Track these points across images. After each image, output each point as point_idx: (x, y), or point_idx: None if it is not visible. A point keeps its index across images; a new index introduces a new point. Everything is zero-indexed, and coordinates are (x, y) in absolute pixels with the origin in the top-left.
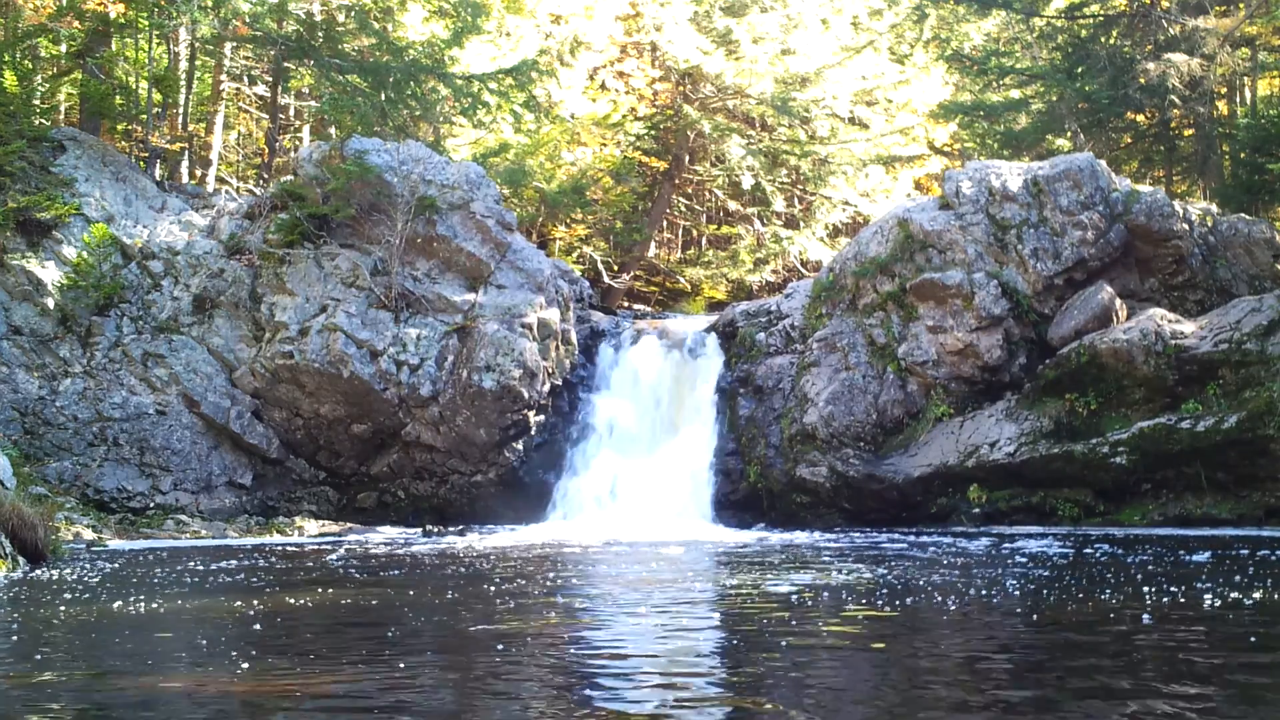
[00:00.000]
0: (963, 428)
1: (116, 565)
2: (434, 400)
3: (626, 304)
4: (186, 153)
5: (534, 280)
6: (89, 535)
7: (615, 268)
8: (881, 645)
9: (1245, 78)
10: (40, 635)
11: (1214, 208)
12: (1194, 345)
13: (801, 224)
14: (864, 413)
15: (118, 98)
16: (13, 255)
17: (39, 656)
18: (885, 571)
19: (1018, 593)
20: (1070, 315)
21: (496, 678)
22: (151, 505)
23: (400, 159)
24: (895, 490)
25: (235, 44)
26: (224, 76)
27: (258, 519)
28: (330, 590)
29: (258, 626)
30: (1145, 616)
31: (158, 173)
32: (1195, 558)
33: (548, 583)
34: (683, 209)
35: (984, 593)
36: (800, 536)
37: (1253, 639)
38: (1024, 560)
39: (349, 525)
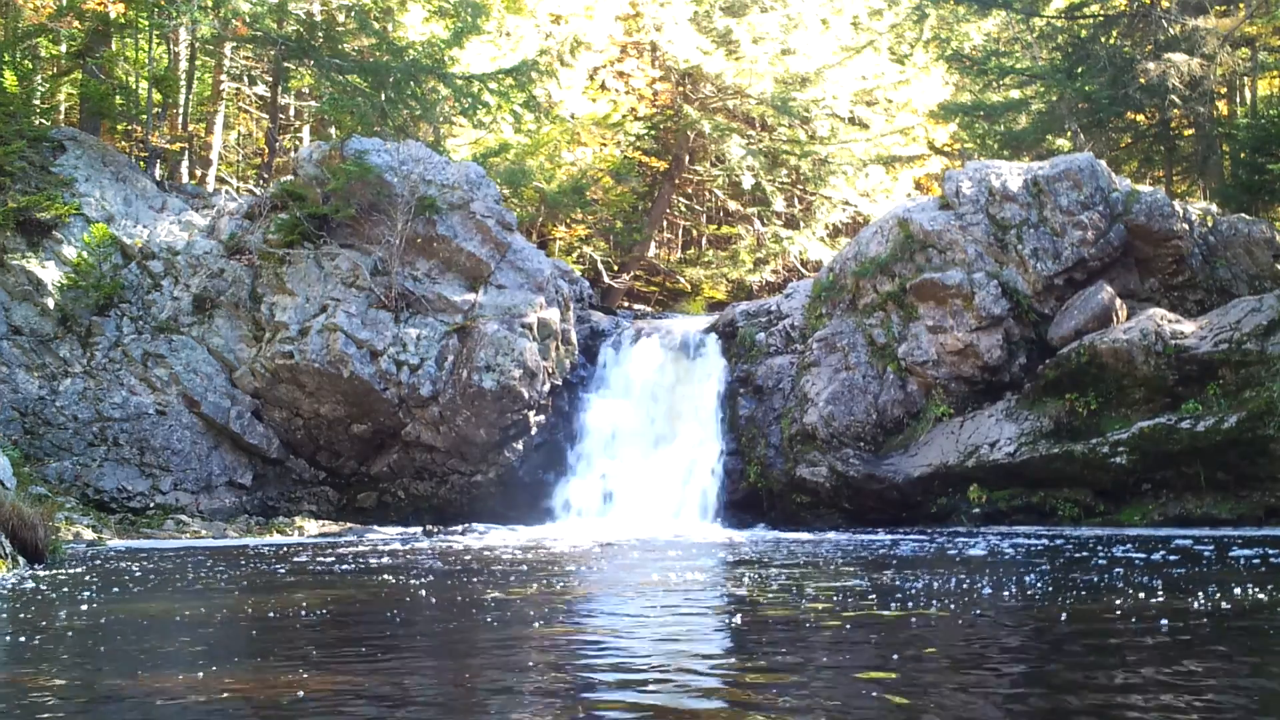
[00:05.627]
0: (963, 428)
1: (116, 565)
2: (434, 400)
3: (626, 304)
4: (186, 153)
5: (534, 280)
6: (89, 535)
7: (615, 268)
8: (883, 647)
9: (1245, 78)
10: (40, 635)
11: (1214, 208)
12: (1194, 345)
13: (801, 224)
14: (864, 413)
15: (118, 98)
16: (13, 255)
17: (39, 656)
18: (886, 572)
19: (1019, 593)
20: (1070, 315)
21: (496, 678)
22: (151, 505)
23: (400, 159)
24: (895, 490)
25: (235, 44)
26: (224, 76)
27: (258, 519)
28: (330, 590)
29: (258, 627)
30: (1163, 622)
31: (158, 173)
32: (1197, 557)
33: (547, 583)
34: (683, 209)
35: (985, 593)
36: (800, 537)
37: (1261, 640)
38: (1024, 560)
39: (349, 525)
